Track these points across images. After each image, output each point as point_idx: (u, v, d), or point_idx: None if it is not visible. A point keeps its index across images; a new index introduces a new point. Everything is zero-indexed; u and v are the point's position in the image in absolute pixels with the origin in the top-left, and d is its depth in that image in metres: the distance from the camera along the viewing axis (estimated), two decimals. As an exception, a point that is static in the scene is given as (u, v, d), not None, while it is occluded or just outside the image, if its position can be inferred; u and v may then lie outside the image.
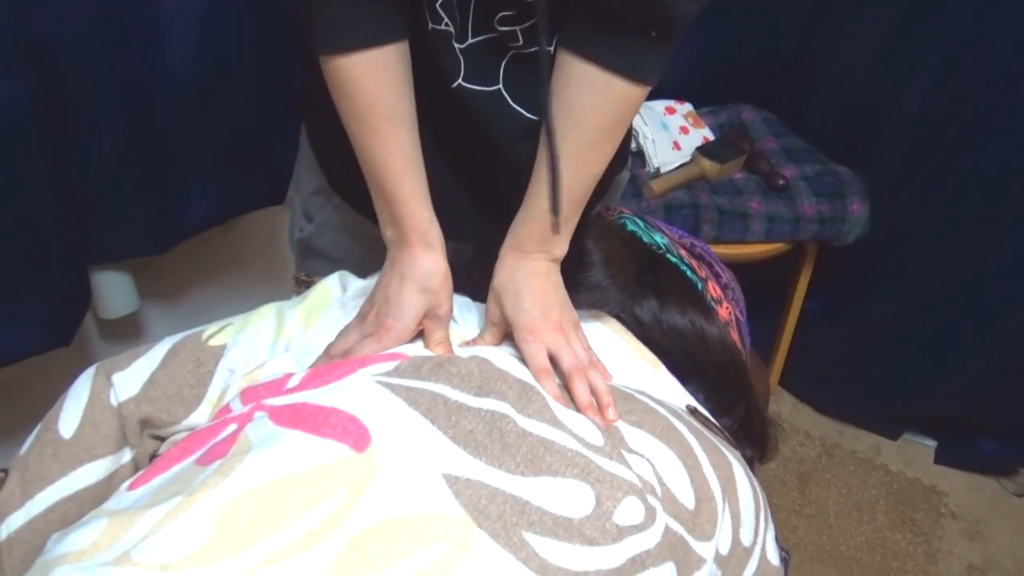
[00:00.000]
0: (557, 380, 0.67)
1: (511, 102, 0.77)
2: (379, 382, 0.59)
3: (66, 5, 1.06)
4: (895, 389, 1.80)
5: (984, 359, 1.64)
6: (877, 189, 1.59)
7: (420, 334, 0.73)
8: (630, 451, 0.61)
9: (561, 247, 0.74)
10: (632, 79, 0.68)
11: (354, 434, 0.54)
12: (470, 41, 0.73)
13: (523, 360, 0.68)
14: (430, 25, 0.71)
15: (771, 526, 0.71)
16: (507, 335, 0.74)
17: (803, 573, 1.60)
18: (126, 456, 0.66)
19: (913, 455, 1.87)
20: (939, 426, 1.87)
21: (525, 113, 0.77)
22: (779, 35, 1.70)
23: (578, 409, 0.64)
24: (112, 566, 0.46)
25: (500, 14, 0.70)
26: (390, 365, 0.62)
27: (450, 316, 0.73)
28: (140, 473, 0.59)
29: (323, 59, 0.69)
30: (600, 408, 0.64)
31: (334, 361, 0.67)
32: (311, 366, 0.68)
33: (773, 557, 0.68)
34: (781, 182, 1.55)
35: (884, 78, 1.57)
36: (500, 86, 0.76)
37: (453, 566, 0.48)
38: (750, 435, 0.82)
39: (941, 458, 1.86)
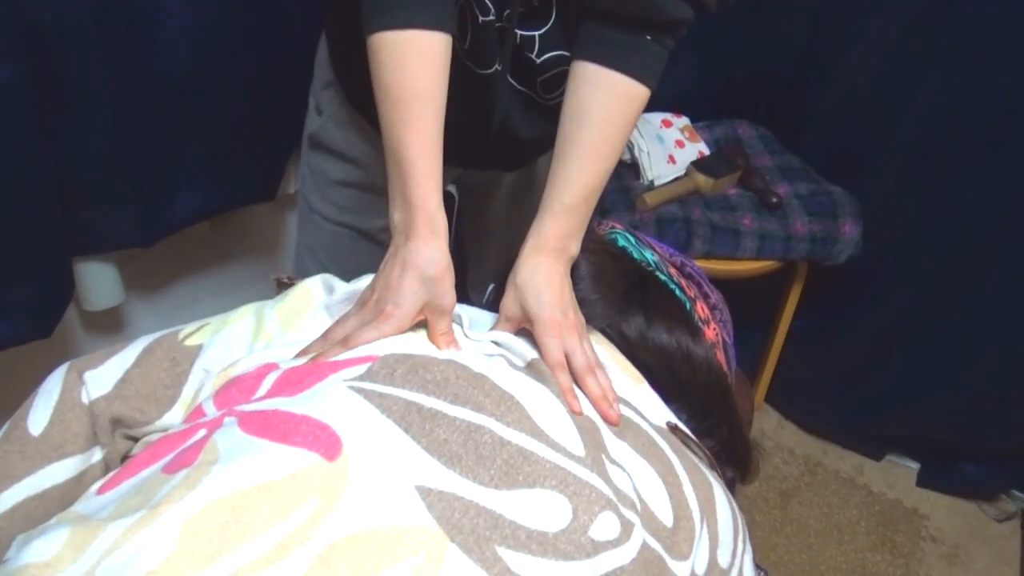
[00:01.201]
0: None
1: (515, 83, 0.88)
2: (351, 388, 0.57)
3: (56, -5, 1.05)
4: (880, 410, 1.80)
5: (969, 383, 1.65)
6: (870, 211, 1.59)
7: (419, 324, 0.72)
8: (612, 462, 0.60)
9: (577, 243, 0.79)
10: (635, 78, 0.77)
11: (325, 442, 0.53)
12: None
13: (503, 363, 0.67)
14: (480, 18, 0.80)
15: (749, 548, 0.70)
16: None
17: (781, 594, 1.60)
18: (96, 455, 0.65)
19: (896, 477, 1.87)
20: (922, 449, 1.87)
21: (524, 91, 0.89)
22: (778, 52, 1.70)
23: (591, 400, 0.66)
24: None
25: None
26: (361, 368, 0.61)
27: (452, 308, 0.73)
28: (110, 476, 0.58)
29: (375, 33, 0.72)
30: (609, 403, 0.66)
31: (328, 347, 0.66)
32: (297, 354, 0.67)
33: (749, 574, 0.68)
34: (774, 200, 1.55)
35: (882, 99, 1.57)
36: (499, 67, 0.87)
37: None
38: (732, 457, 0.81)
39: (923, 481, 1.86)
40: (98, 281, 1.34)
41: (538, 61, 0.86)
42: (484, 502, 0.52)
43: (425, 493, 0.51)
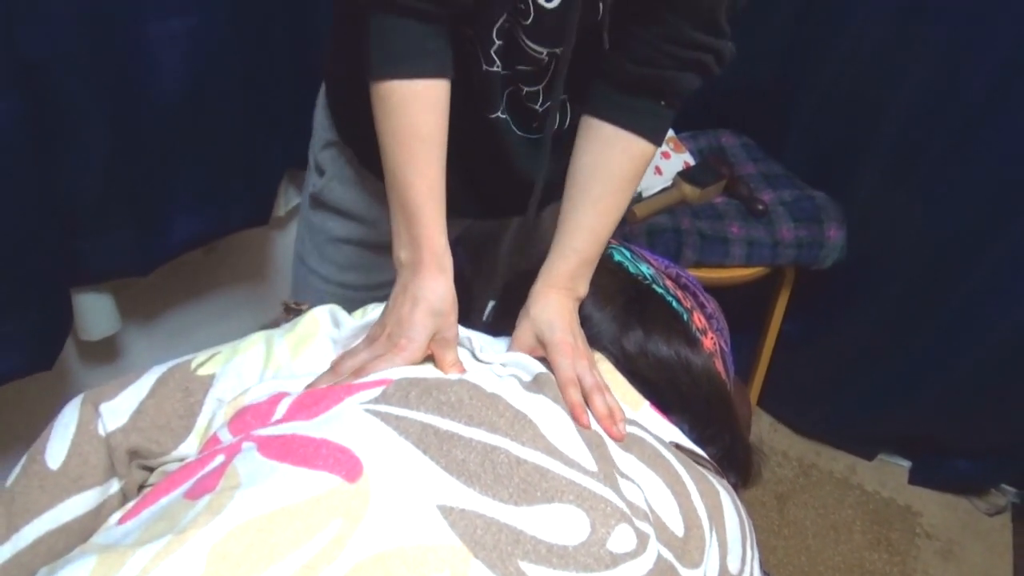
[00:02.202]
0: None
1: (519, 130, 0.90)
2: (368, 411, 0.59)
3: (54, 26, 1.06)
4: (870, 410, 1.82)
5: (957, 381, 1.68)
6: (854, 215, 1.62)
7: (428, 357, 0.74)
8: (623, 475, 0.62)
9: (585, 285, 0.83)
10: (646, 138, 0.82)
11: (345, 465, 0.54)
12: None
13: (514, 382, 0.68)
14: (484, 67, 0.82)
15: (756, 553, 0.72)
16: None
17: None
18: (114, 487, 0.66)
19: (888, 475, 1.89)
20: (913, 446, 1.90)
21: (526, 135, 0.91)
22: (759, 62, 1.73)
23: (597, 419, 0.68)
24: None
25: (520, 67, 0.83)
26: (376, 391, 0.62)
27: (456, 340, 0.76)
28: (130, 506, 0.59)
29: (383, 82, 0.75)
30: (615, 421, 0.69)
31: (339, 380, 0.67)
32: (307, 387, 0.68)
33: None
34: (760, 207, 1.57)
35: (862, 105, 1.60)
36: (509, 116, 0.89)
37: None
38: (734, 462, 0.83)
39: (915, 478, 1.89)
40: (94, 310, 1.35)
41: (540, 110, 0.89)
42: (505, 518, 0.54)
43: (447, 512, 0.53)
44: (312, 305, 0.81)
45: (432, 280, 0.75)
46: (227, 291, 1.67)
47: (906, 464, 1.92)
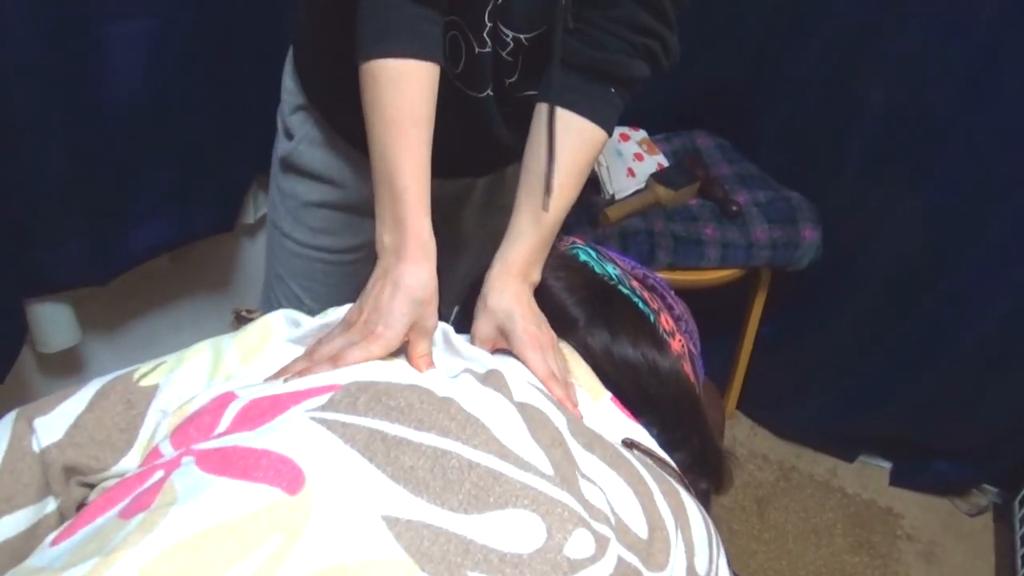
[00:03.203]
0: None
1: (499, 106, 0.92)
2: (313, 419, 0.56)
3: (7, 27, 1.03)
4: (850, 412, 1.81)
5: (936, 382, 1.67)
6: (829, 215, 1.61)
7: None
8: (583, 476, 0.59)
9: (538, 271, 0.83)
10: (598, 124, 0.84)
11: (287, 476, 0.51)
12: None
13: (469, 379, 0.66)
14: (476, 49, 0.84)
15: (722, 552, 0.70)
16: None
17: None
18: (50, 506, 0.63)
19: (869, 477, 1.88)
20: (894, 448, 1.89)
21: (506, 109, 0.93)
22: (732, 62, 1.72)
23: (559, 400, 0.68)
24: None
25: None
26: (323, 398, 0.59)
27: (434, 330, 0.74)
28: (64, 526, 0.56)
29: (374, 60, 0.74)
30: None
31: (314, 367, 0.66)
32: (278, 372, 0.67)
33: None
34: (734, 208, 1.56)
35: (836, 105, 1.59)
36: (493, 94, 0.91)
37: None
38: (705, 468, 0.81)
39: (896, 480, 1.88)
40: (53, 322, 1.31)
41: (515, 86, 0.91)
42: (454, 528, 0.51)
43: (392, 523, 0.50)
44: (267, 305, 0.79)
45: (415, 267, 0.74)
46: (195, 301, 1.63)
47: (887, 466, 1.91)
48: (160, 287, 1.55)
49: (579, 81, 0.83)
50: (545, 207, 0.82)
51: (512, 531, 0.52)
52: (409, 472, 0.53)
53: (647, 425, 0.75)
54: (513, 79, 0.89)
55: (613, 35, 0.82)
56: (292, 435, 0.54)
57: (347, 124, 0.80)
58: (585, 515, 0.55)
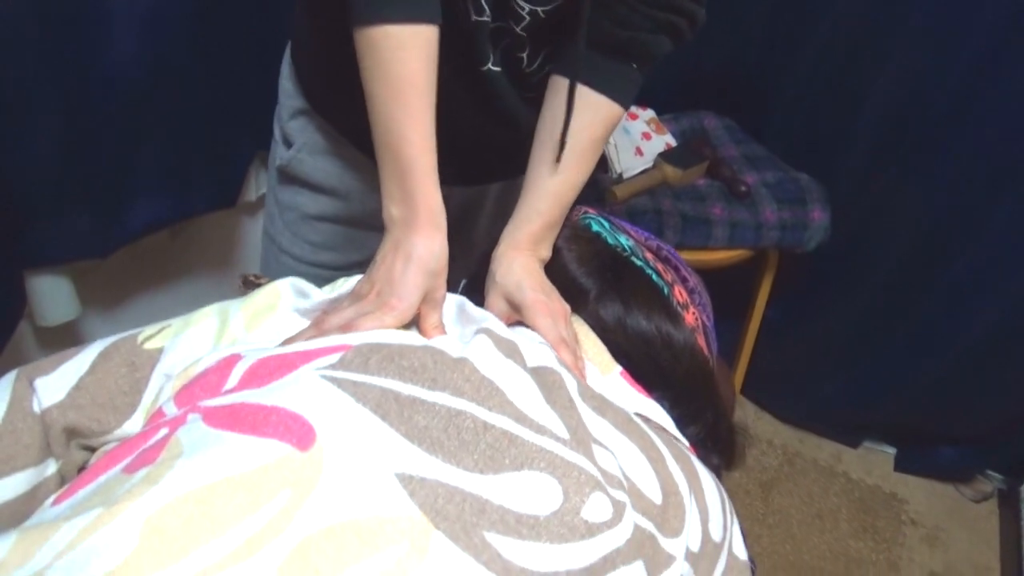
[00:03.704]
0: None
1: (511, 86, 0.88)
2: (324, 377, 0.54)
3: (3, 2, 1.00)
4: (855, 397, 1.80)
5: (943, 367, 1.66)
6: (838, 197, 1.59)
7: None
8: (596, 442, 0.58)
9: (548, 248, 0.81)
10: (616, 101, 0.81)
11: (297, 432, 0.49)
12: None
13: (486, 342, 0.64)
14: (472, 16, 0.79)
15: (736, 521, 0.69)
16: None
17: (767, 585, 1.59)
18: (50, 468, 0.61)
19: (873, 463, 1.87)
20: (898, 434, 1.88)
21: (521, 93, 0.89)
22: (741, 43, 1.70)
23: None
24: None
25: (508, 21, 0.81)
26: (334, 357, 0.58)
27: (443, 301, 0.73)
28: (66, 487, 0.54)
29: (372, 27, 0.71)
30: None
31: (322, 334, 0.64)
32: (284, 341, 0.65)
33: (740, 552, 0.66)
34: (743, 188, 1.54)
35: (844, 87, 1.57)
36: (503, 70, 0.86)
37: (409, 571, 0.44)
38: (717, 443, 0.79)
39: (901, 465, 1.87)
40: (52, 295, 1.29)
41: (526, 61, 0.86)
42: (469, 487, 0.49)
43: (406, 481, 0.48)
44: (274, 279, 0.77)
45: (427, 238, 0.72)
46: (195, 277, 1.61)
47: (891, 451, 1.90)
48: (160, 263, 1.53)
49: (599, 57, 0.80)
50: (552, 176, 0.80)
51: (528, 493, 0.51)
52: (423, 431, 0.52)
53: (660, 399, 0.74)
54: (524, 54, 0.86)
55: (637, 11, 0.78)
56: (302, 392, 0.53)
57: (352, 126, 0.77)
58: (601, 479, 0.53)
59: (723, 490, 0.67)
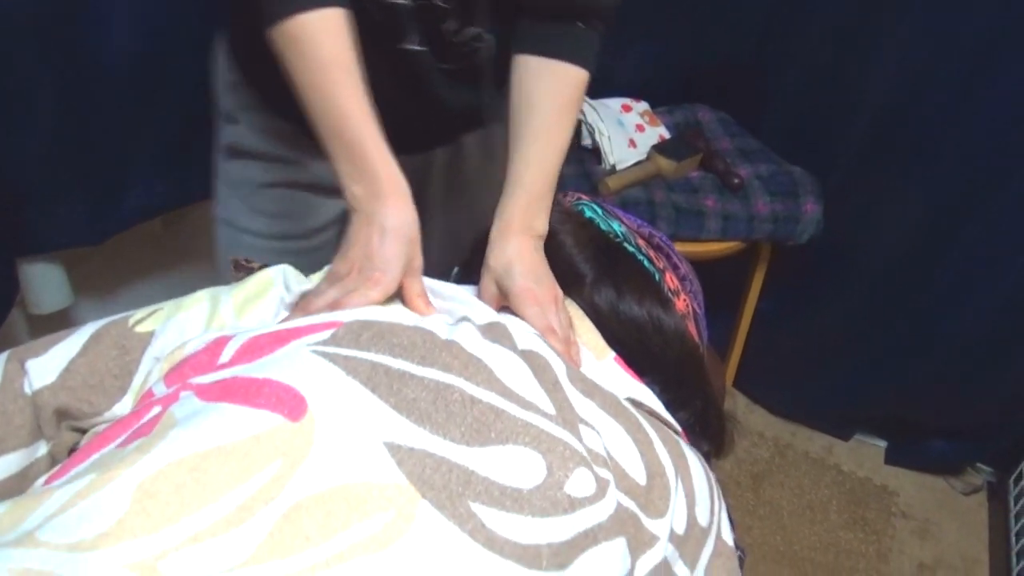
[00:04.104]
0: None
1: (437, 62, 0.88)
2: (315, 351, 0.55)
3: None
4: (846, 390, 1.81)
5: (934, 361, 1.66)
6: (830, 190, 1.60)
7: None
8: (582, 421, 0.58)
9: (543, 222, 0.80)
10: (574, 63, 0.82)
11: (288, 403, 0.50)
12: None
13: (470, 328, 0.65)
14: None
15: (724, 507, 0.69)
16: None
17: (758, 574, 1.60)
18: (41, 449, 0.61)
19: (864, 455, 1.88)
20: (889, 427, 1.89)
21: (449, 67, 0.89)
22: (735, 36, 1.70)
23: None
24: (12, 547, 0.41)
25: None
26: (326, 334, 0.58)
27: (422, 269, 0.74)
28: (57, 467, 0.55)
29: (285, 21, 0.72)
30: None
31: (302, 317, 0.64)
32: (266, 327, 0.64)
33: (728, 537, 0.66)
34: (736, 181, 1.55)
35: (838, 81, 1.58)
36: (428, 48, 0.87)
37: (395, 538, 0.45)
38: (707, 430, 0.80)
39: (891, 458, 1.88)
40: (45, 283, 1.29)
41: (452, 33, 0.87)
42: (456, 458, 0.50)
43: (394, 450, 0.49)
44: (264, 264, 0.77)
45: (396, 208, 0.72)
46: (187, 265, 1.61)
47: (882, 444, 1.91)
48: (153, 251, 1.53)
49: (543, 26, 0.82)
50: (528, 147, 0.81)
51: (513, 466, 0.51)
52: (412, 403, 0.52)
53: (650, 384, 0.74)
54: (449, 26, 0.86)
55: None
56: (293, 365, 0.54)
57: (286, 103, 0.77)
58: (586, 455, 0.54)
59: (712, 476, 0.68)
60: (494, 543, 0.47)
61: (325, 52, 0.73)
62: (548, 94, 0.82)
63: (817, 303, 1.77)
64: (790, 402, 1.92)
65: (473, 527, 0.47)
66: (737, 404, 1.96)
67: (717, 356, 1.86)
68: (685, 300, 0.84)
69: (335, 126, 0.73)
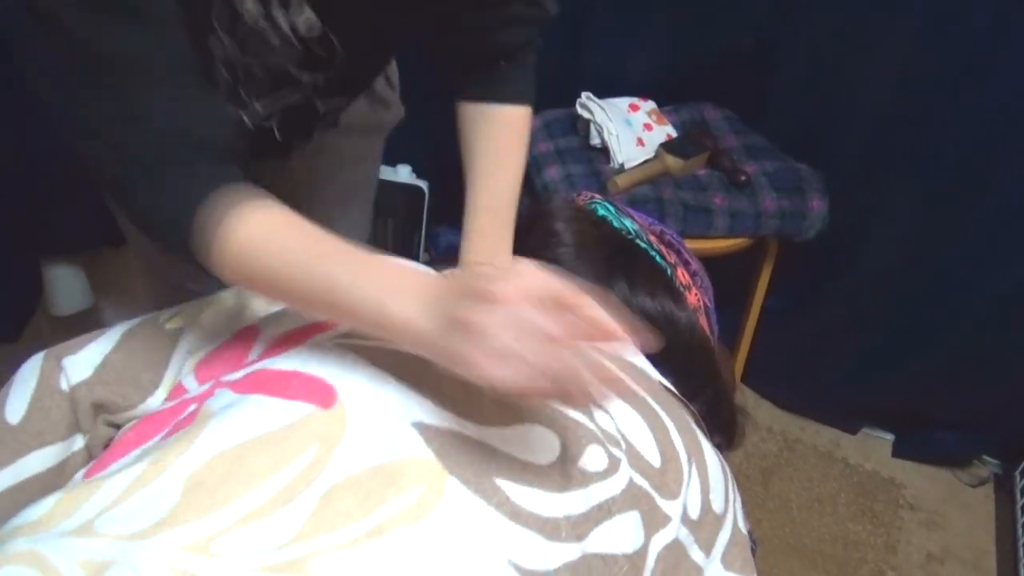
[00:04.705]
0: None
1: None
2: (338, 344, 0.58)
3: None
4: (853, 384, 1.82)
5: (939, 354, 1.68)
6: (836, 186, 1.61)
7: None
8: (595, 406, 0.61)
9: (503, 259, 0.79)
10: (507, 102, 0.81)
11: (319, 393, 0.53)
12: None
13: None
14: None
15: (738, 499, 0.71)
16: None
17: (767, 565, 1.61)
18: (78, 443, 0.64)
19: (872, 448, 1.90)
20: (897, 420, 1.90)
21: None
22: (739, 34, 1.71)
23: None
24: (74, 536, 0.44)
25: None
26: (345, 327, 0.62)
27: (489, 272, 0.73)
28: (94, 461, 0.57)
29: (231, 237, 0.55)
30: None
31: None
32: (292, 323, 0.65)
33: (743, 526, 0.69)
34: (743, 178, 1.56)
35: (842, 77, 1.59)
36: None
37: (428, 510, 0.48)
38: (718, 421, 0.82)
39: (899, 451, 1.89)
40: (66, 285, 1.31)
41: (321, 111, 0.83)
42: (479, 436, 0.53)
43: (422, 428, 0.52)
44: None
45: (423, 288, 0.53)
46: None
47: (889, 437, 1.92)
48: (170, 253, 1.55)
49: (466, 74, 0.81)
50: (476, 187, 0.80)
51: (531, 444, 0.54)
52: (435, 386, 0.55)
53: (663, 375, 0.76)
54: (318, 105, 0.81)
55: (482, 17, 0.78)
56: (319, 358, 0.57)
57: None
58: (599, 435, 0.57)
59: (727, 468, 0.70)
60: (518, 515, 0.50)
61: (289, 245, 0.56)
62: (488, 137, 0.82)
63: (824, 298, 1.79)
64: (798, 397, 1.94)
65: (499, 501, 0.50)
66: (745, 399, 1.98)
67: (727, 351, 1.88)
68: (696, 295, 0.86)
69: (326, 299, 0.55)
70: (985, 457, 1.87)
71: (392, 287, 0.52)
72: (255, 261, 0.56)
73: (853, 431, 1.93)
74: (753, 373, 1.97)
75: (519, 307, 0.46)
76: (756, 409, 1.96)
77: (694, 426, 0.68)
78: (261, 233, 0.55)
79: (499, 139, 0.82)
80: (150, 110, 0.57)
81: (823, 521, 1.71)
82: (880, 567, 1.64)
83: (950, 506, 1.79)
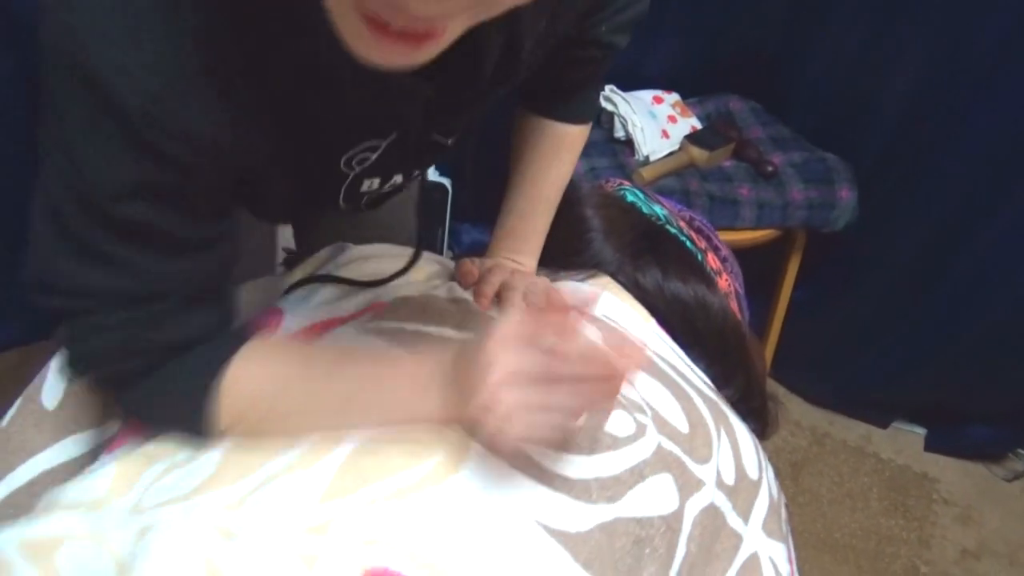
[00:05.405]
0: None
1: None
2: (360, 331, 0.61)
3: None
4: (884, 377, 1.80)
5: (972, 346, 1.65)
6: (864, 177, 1.59)
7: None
8: None
9: (528, 263, 0.79)
10: (567, 122, 0.79)
11: None
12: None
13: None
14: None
15: (770, 468, 0.71)
16: None
17: (798, 560, 1.59)
18: (113, 428, 0.64)
19: (903, 443, 1.87)
20: (928, 414, 1.87)
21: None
22: (763, 25, 1.70)
23: None
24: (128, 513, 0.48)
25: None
26: (368, 315, 0.65)
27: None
28: (116, 437, 0.60)
29: (232, 373, 0.52)
30: None
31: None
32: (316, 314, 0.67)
33: (777, 493, 0.69)
34: (770, 169, 1.55)
35: (868, 67, 1.57)
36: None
37: (449, 474, 0.49)
38: (750, 407, 0.81)
39: (931, 445, 1.86)
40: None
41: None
42: None
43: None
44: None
45: (440, 373, 0.52)
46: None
47: (921, 432, 1.89)
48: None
49: (528, 98, 0.79)
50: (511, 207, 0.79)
51: None
52: None
53: (696, 359, 0.76)
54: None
55: (579, 47, 0.72)
56: (346, 341, 0.60)
57: None
58: (624, 402, 0.57)
59: (754, 437, 0.70)
60: (544, 477, 0.50)
61: (294, 371, 0.53)
62: (535, 148, 0.79)
63: (853, 290, 1.76)
64: (827, 391, 1.92)
65: (523, 464, 0.51)
66: (775, 392, 1.96)
67: (757, 339, 1.86)
68: (727, 280, 0.85)
69: (339, 412, 0.53)
70: (1020, 451, 1.83)
71: (408, 395, 0.51)
72: (272, 400, 0.51)
73: (884, 425, 1.90)
74: (781, 366, 1.95)
75: (519, 363, 0.47)
76: (785, 403, 1.94)
77: (716, 397, 0.69)
78: (257, 385, 0.51)
79: (550, 151, 0.79)
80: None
81: (855, 516, 1.68)
82: (914, 562, 1.62)
83: (984, 501, 1.76)
